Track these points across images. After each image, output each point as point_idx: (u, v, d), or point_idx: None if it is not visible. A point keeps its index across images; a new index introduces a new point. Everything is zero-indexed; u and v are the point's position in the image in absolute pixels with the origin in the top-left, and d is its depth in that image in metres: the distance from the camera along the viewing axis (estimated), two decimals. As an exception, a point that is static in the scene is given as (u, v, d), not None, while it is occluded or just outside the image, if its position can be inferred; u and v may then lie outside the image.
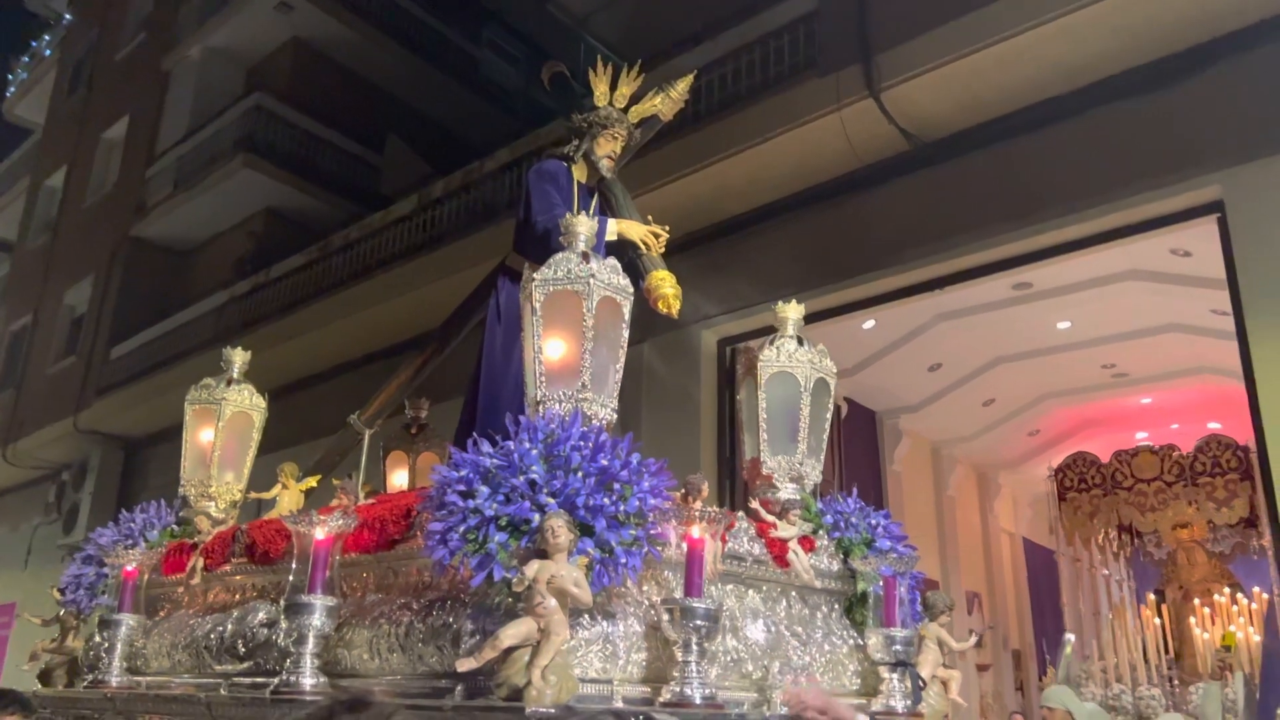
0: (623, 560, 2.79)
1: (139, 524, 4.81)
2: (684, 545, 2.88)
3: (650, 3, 12.75)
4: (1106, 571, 11.06)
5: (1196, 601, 10.36)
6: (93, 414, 16.19)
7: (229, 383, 4.88)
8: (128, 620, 4.17)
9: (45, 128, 22.16)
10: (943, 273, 8.27)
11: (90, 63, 20.66)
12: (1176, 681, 9.81)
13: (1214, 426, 11.45)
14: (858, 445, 10.99)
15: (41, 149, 21.95)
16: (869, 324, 9.62)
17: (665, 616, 2.83)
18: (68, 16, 22.87)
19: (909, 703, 3.47)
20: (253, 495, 4.90)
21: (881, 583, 3.47)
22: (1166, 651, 9.94)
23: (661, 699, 2.80)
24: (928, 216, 8.17)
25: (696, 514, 2.86)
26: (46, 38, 23.72)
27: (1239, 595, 10.10)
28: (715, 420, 9.29)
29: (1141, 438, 12.22)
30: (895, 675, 3.42)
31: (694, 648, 2.78)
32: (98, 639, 4.30)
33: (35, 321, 19.13)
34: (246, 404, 4.87)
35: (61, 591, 4.91)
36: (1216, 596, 10.21)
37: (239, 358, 4.96)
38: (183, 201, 16.04)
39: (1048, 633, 12.52)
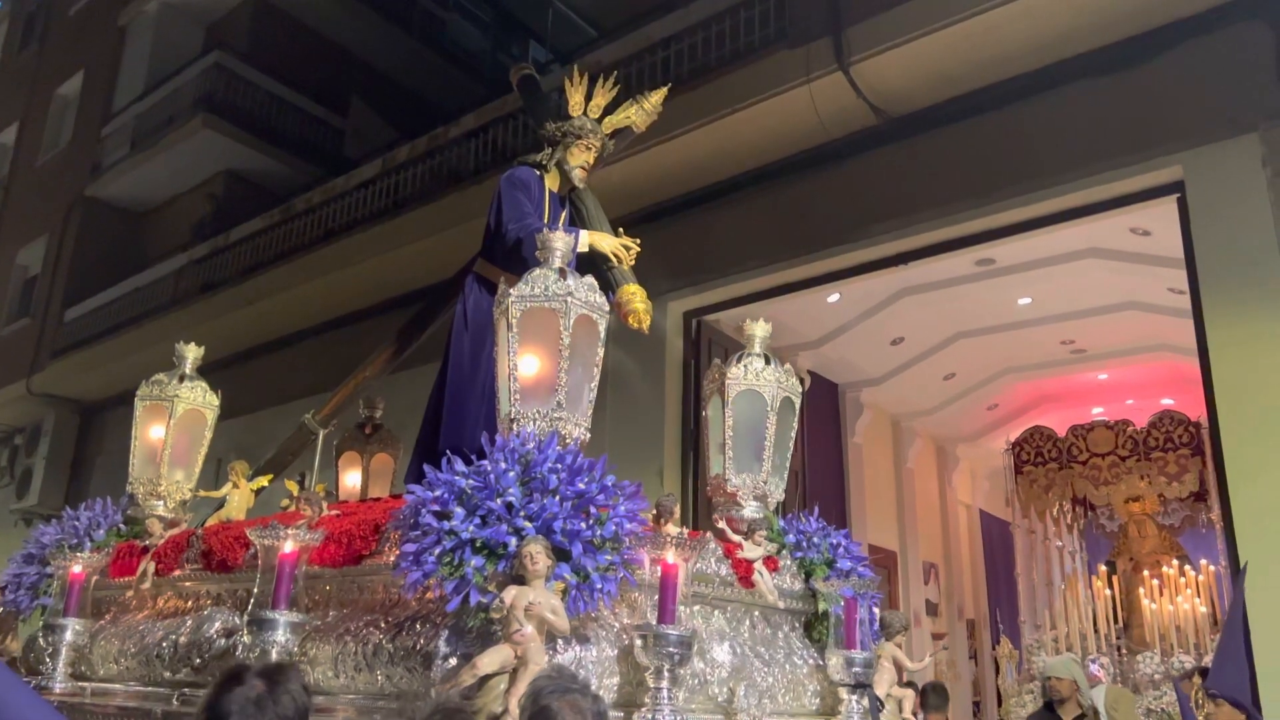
0: (599, 586, 2.76)
1: (84, 523, 4.65)
2: (657, 570, 2.87)
3: (619, -32, 12.56)
4: (1060, 543, 11.25)
5: (1146, 573, 10.58)
6: (47, 377, 15.88)
7: (181, 379, 4.70)
8: (74, 625, 4.04)
9: (-5, 82, 21.54)
10: (907, 248, 8.32)
11: (43, 16, 20.01)
12: (1124, 650, 10.05)
13: (1167, 402, 11.66)
14: (820, 417, 11.04)
15: (-8, 104, 21.33)
16: (834, 297, 9.67)
17: (639, 642, 2.81)
18: (19, -33, 22.15)
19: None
20: (202, 494, 4.77)
21: (842, 603, 3.50)
22: (1116, 621, 10.18)
23: None
24: (893, 192, 8.20)
25: (671, 540, 2.85)
26: (-3, -11, 22.97)
27: (1186, 568, 10.33)
28: (680, 393, 9.31)
29: (1097, 413, 12.40)
30: (854, 696, 3.46)
31: (665, 674, 2.78)
32: (41, 643, 4.17)
33: (-14, 282, 18.69)
34: (199, 401, 4.72)
35: (0, 591, 4.72)
36: (1165, 568, 10.42)
37: (191, 353, 4.79)
38: (140, 161, 15.66)
39: (1001, 603, 12.77)
